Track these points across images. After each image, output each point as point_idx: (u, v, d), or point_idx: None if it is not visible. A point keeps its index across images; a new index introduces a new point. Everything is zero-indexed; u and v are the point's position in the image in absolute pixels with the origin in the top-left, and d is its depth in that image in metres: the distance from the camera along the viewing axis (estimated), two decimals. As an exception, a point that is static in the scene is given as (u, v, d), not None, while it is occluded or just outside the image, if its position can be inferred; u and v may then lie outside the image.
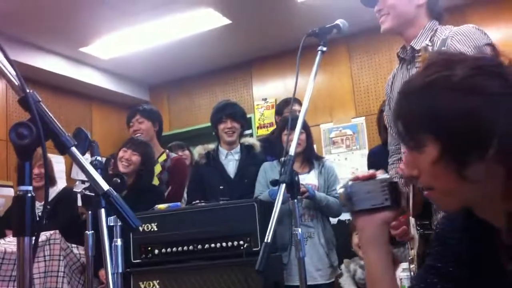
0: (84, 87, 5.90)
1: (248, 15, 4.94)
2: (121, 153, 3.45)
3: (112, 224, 1.31)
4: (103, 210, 1.22)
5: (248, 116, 6.00)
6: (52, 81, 5.43)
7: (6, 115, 5.16)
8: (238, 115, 3.62)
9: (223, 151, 3.63)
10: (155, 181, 3.82)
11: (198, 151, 3.68)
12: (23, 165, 1.16)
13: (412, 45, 2.04)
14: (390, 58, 5.08)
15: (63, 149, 1.19)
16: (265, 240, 1.68)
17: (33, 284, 2.29)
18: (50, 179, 3.68)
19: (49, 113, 1.17)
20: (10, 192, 4.25)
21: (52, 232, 2.99)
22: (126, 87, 6.37)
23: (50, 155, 3.66)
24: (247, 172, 3.53)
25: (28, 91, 1.17)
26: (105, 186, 1.19)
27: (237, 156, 3.61)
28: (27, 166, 1.16)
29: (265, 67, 6.04)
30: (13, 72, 1.19)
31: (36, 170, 3.53)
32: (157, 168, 3.85)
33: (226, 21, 4.97)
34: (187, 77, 6.36)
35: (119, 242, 1.37)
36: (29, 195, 1.15)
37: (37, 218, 1.18)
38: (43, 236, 2.97)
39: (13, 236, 1.11)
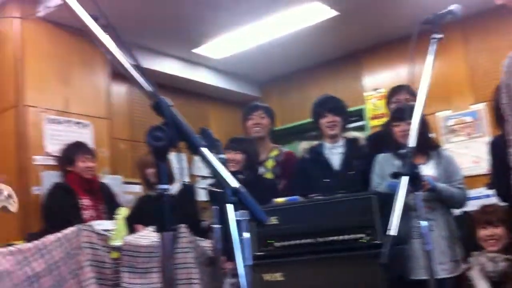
0: (199, 87, 6.16)
1: (356, 5, 4.88)
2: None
3: (239, 218, 1.37)
4: (230, 205, 1.28)
5: (359, 107, 5.94)
6: (169, 83, 5.71)
7: (130, 117, 5.53)
8: (338, 109, 3.61)
9: (326, 145, 3.63)
10: (269, 175, 3.92)
11: (303, 146, 3.72)
12: (160, 165, 1.25)
13: None
14: (506, 39, 4.79)
15: (194, 149, 1.27)
16: (389, 233, 1.67)
17: (175, 276, 2.44)
18: (169, 177, 3.91)
19: (180, 116, 1.26)
20: (137, 189, 4.53)
21: (179, 225, 3.14)
22: (238, 85, 6.56)
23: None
24: (351, 165, 3.51)
25: (160, 96, 1.26)
26: (234, 183, 1.26)
27: (340, 150, 3.59)
28: (163, 166, 1.26)
29: (375, 57, 5.92)
30: (144, 79, 1.28)
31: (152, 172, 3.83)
32: (270, 163, 3.94)
33: (333, 13, 4.94)
34: (297, 72, 6.41)
35: (247, 235, 1.43)
36: (167, 193, 1.24)
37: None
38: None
39: (157, 231, 1.21)
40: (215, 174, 1.26)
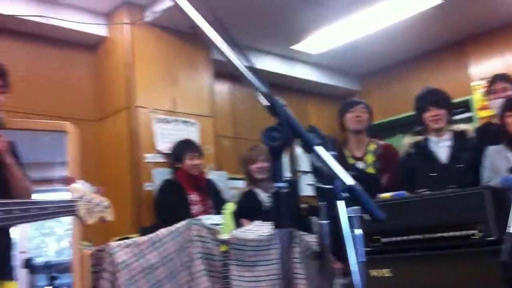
0: (298, 83, 6.21)
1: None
2: None
3: (351, 215, 1.38)
4: (342, 202, 1.30)
5: (466, 98, 5.70)
6: (269, 80, 5.79)
7: (232, 115, 5.69)
8: (442, 101, 3.48)
9: (432, 139, 3.52)
10: (371, 170, 3.86)
11: (406, 140, 3.63)
12: (276, 164, 1.30)
13: None
14: None
15: (309, 148, 1.30)
16: (510, 230, 1.60)
17: (292, 269, 2.50)
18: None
19: (293, 115, 1.29)
20: (240, 184, 4.65)
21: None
22: (337, 79, 6.54)
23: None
24: (459, 158, 3.38)
25: (274, 97, 1.30)
26: (350, 181, 1.27)
27: (447, 143, 3.47)
28: (279, 165, 1.30)
29: (482, 45, 5.66)
30: (258, 80, 1.32)
31: (259, 164, 3.90)
32: (370, 158, 3.89)
33: (437, 1, 4.77)
34: (397, 64, 6.27)
35: (359, 232, 1.44)
36: (283, 191, 1.28)
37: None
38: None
39: (275, 228, 1.25)
40: (330, 171, 1.28)
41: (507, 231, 1.61)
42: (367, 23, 5.12)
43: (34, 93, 4.48)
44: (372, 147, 3.95)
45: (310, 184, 2.99)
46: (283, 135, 1.25)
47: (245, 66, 1.33)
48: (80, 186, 1.84)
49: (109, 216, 1.84)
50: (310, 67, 6.24)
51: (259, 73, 1.27)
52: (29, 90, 4.41)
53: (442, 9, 4.89)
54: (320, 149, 1.28)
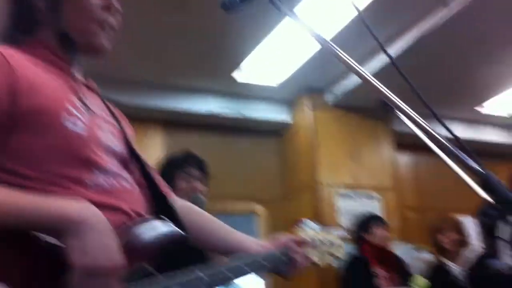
0: (485, 146, 5.87)
1: None
2: None
3: None
4: None
5: None
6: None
7: (417, 186, 5.58)
8: None
9: None
10: None
11: None
12: (487, 240, 1.23)
13: None
14: None
15: None
16: None
17: None
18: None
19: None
20: (427, 256, 4.46)
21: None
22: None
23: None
24: None
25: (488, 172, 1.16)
26: None
27: None
28: (494, 242, 1.20)
29: None
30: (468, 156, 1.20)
31: (449, 235, 3.80)
32: None
33: None
34: None
35: None
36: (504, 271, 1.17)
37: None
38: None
39: None
40: None
41: None
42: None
43: (229, 180, 4.88)
44: None
45: None
46: (498, 212, 1.19)
47: (453, 141, 1.21)
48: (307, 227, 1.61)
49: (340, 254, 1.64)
50: (499, 129, 5.88)
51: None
52: (224, 178, 4.82)
53: None
54: None
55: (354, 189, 4.85)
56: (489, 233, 1.12)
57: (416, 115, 1.14)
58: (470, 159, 1.08)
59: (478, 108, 5.40)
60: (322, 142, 4.95)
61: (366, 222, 4.20)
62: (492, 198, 1.05)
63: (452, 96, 5.10)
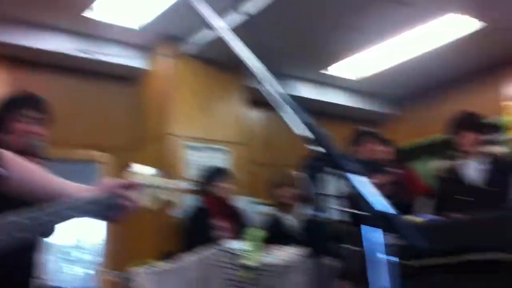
0: (332, 108, 6.17)
1: (502, 14, 4.56)
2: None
3: (387, 242, 1.32)
4: (372, 227, 1.25)
5: (500, 120, 5.53)
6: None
7: (266, 142, 5.74)
8: (476, 125, 3.48)
9: (465, 162, 3.47)
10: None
11: (438, 164, 3.61)
12: (314, 192, 1.26)
13: None
14: None
15: (348, 176, 1.25)
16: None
17: None
18: (307, 199, 3.99)
19: (334, 144, 1.22)
20: (269, 210, 4.64)
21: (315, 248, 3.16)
22: (372, 104, 6.49)
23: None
24: (494, 182, 3.33)
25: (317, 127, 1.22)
26: (388, 208, 1.21)
27: (481, 166, 3.42)
28: (317, 193, 1.25)
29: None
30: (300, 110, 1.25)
31: (287, 190, 3.97)
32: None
33: (478, 24, 4.67)
34: (435, 87, 6.16)
35: (393, 259, 1.38)
36: (319, 219, 1.24)
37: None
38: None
39: (310, 256, 1.22)
40: (365, 199, 1.23)
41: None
42: (404, 49, 5.10)
43: (74, 125, 4.64)
44: None
45: (343, 210, 2.97)
46: (322, 163, 1.21)
47: (287, 96, 1.27)
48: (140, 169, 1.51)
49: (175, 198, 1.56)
50: (344, 92, 6.23)
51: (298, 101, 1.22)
52: (69, 122, 4.55)
53: (481, 34, 4.78)
54: (358, 177, 1.23)
55: (204, 142, 4.85)
56: (315, 186, 1.15)
57: (262, 71, 1.21)
58: (302, 114, 1.18)
59: (324, 71, 5.63)
60: (176, 92, 4.85)
61: (212, 175, 4.22)
62: (320, 152, 1.14)
63: (301, 58, 5.27)
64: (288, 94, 1.24)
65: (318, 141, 1.18)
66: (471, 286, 2.70)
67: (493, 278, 2.64)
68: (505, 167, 3.38)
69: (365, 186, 1.19)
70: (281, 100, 1.24)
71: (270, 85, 1.24)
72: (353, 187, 1.19)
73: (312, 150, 1.17)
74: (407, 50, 5.15)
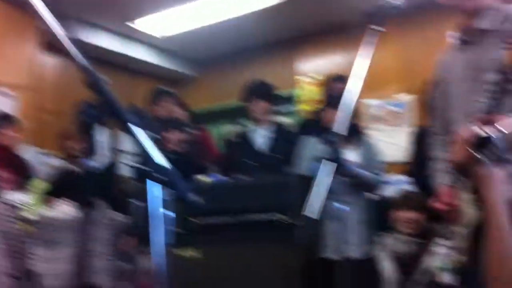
0: (133, 63, 6.06)
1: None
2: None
3: (164, 197, 1.37)
4: (153, 183, 1.28)
5: (290, 92, 6.02)
6: (102, 57, 5.56)
7: (58, 89, 5.37)
8: (267, 94, 3.69)
9: (254, 128, 3.70)
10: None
11: (230, 128, 3.78)
12: (86, 141, 1.23)
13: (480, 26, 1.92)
14: (440, 34, 4.94)
15: (124, 126, 1.25)
16: (307, 214, 1.70)
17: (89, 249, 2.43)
18: (93, 152, 3.90)
19: (112, 93, 1.22)
20: (58, 162, 4.42)
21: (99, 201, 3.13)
22: (174, 63, 6.51)
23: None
24: (279, 149, 3.59)
25: (96, 74, 1.21)
26: (163, 162, 1.25)
27: (268, 133, 3.66)
28: (89, 141, 1.23)
29: (311, 44, 6.01)
30: (81, 54, 1.22)
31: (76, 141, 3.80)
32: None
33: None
34: (233, 54, 6.39)
35: (171, 213, 1.44)
36: (90, 169, 1.22)
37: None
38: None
39: (76, 206, 1.20)
40: (142, 152, 1.25)
41: (303, 214, 1.71)
42: (205, 13, 5.17)
43: None
44: None
45: (127, 164, 2.95)
46: (98, 112, 1.18)
47: (69, 38, 1.22)
48: None
49: None
50: (147, 48, 6.13)
51: (87, 48, 1.16)
52: None
53: (282, 7, 5.07)
54: (135, 128, 1.24)
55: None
56: (86, 131, 1.15)
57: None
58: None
59: (130, 23, 5.47)
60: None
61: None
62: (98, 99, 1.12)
63: (106, 6, 5.03)
64: (72, 38, 1.19)
65: (95, 88, 1.15)
66: (250, 243, 2.91)
67: (269, 236, 2.90)
68: (289, 136, 3.67)
69: (145, 139, 1.22)
70: (66, 44, 1.19)
71: (58, 29, 1.18)
72: (133, 138, 1.20)
73: (90, 98, 1.16)
74: (212, 14, 5.23)
